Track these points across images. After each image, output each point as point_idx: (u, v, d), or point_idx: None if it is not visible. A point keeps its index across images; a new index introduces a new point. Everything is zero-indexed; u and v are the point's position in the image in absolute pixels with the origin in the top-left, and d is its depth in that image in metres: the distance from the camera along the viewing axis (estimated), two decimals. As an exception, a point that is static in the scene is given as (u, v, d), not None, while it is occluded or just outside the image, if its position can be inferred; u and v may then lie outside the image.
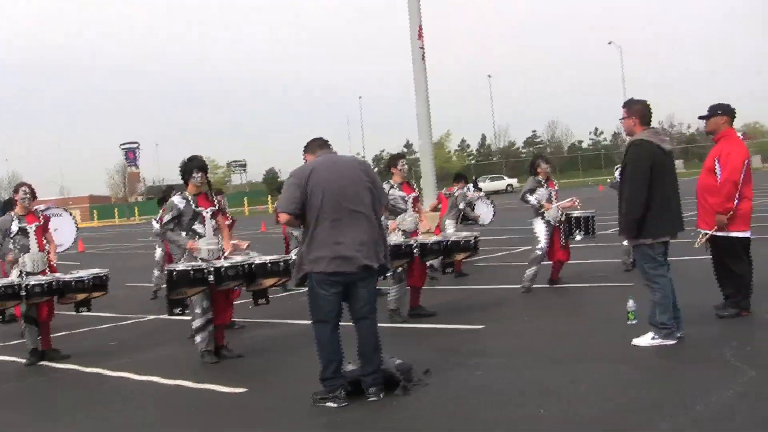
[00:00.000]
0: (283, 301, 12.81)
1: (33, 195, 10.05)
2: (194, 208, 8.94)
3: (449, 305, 11.29)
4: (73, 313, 10.21)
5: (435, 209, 15.19)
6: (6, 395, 8.67)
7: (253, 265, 8.94)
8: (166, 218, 8.95)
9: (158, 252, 15.57)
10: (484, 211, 16.16)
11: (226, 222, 9.70)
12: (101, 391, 8.39)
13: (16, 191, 9.98)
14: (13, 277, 9.62)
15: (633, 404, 6.17)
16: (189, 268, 8.64)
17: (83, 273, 9.87)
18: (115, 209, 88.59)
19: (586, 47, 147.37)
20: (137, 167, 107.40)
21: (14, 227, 9.79)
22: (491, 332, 9.42)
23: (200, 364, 8.86)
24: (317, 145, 7.23)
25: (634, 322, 8.73)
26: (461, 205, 14.67)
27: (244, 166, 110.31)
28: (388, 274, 8.80)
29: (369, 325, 7.00)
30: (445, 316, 10.52)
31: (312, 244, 6.84)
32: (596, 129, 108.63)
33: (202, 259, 8.85)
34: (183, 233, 8.94)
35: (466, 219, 15.00)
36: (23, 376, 9.37)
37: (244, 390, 7.66)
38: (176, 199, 8.95)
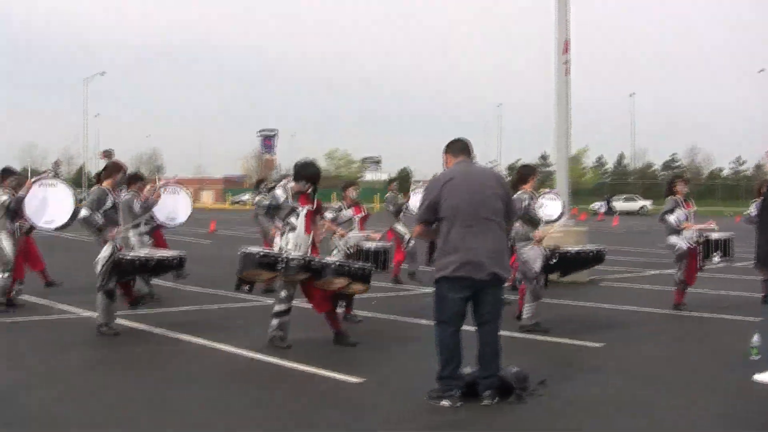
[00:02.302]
0: (406, 300, 13.00)
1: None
2: (290, 203, 9.48)
3: (572, 320, 11.31)
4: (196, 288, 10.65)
5: None
6: (124, 359, 9.04)
7: (316, 262, 9.40)
8: (265, 202, 9.85)
9: (277, 239, 15.99)
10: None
11: (327, 217, 10.37)
12: (223, 367, 8.71)
13: (118, 170, 10.51)
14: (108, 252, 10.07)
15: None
16: (256, 252, 9.43)
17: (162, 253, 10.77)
18: (248, 194, 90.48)
19: (734, 74, 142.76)
20: (274, 154, 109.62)
21: (109, 202, 10.16)
22: (609, 351, 9.40)
23: (323, 351, 9.14)
24: (458, 148, 7.40)
25: (757, 357, 8.55)
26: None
27: (378, 162, 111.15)
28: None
29: (491, 331, 7.13)
30: (564, 331, 10.48)
31: (444, 248, 7.03)
32: (738, 158, 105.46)
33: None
34: (277, 220, 9.61)
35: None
36: (132, 344, 9.72)
37: (363, 380, 7.90)
38: (278, 192, 9.59)
